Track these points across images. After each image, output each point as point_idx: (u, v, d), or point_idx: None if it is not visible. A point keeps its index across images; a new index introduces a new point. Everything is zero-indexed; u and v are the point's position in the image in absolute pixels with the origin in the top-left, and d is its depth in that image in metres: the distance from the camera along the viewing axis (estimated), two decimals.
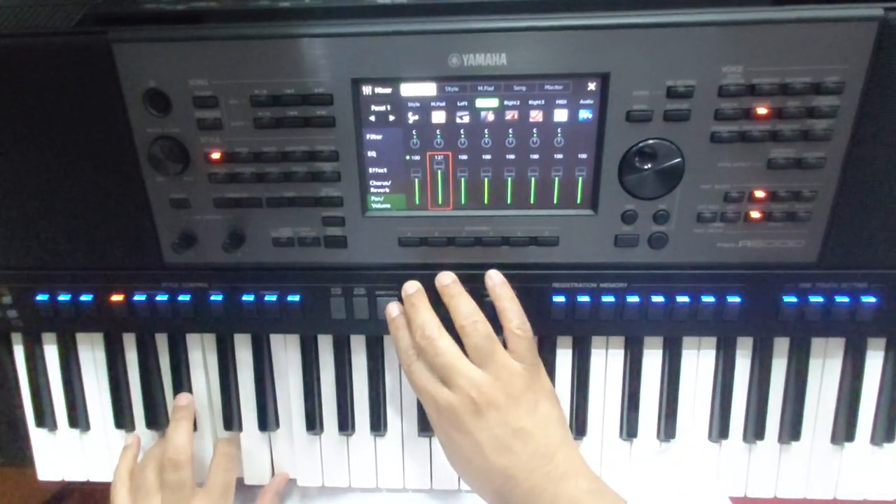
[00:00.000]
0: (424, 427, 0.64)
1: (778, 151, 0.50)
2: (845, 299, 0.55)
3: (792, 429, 0.61)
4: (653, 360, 0.61)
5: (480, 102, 0.51)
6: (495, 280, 0.54)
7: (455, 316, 0.53)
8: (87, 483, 0.68)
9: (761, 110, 0.49)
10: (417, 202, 0.55)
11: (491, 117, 0.52)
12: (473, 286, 0.57)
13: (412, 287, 0.55)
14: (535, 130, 0.52)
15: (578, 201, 0.54)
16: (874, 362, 0.60)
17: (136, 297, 0.60)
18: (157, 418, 0.66)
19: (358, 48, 0.49)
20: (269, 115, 0.52)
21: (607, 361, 0.62)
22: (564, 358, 0.62)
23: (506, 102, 0.51)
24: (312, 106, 0.51)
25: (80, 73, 0.51)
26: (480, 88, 0.51)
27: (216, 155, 0.53)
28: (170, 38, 0.50)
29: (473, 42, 0.48)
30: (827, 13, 0.46)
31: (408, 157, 0.53)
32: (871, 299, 0.55)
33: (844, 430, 0.61)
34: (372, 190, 0.55)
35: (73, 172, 0.55)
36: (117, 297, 0.60)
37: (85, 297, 0.61)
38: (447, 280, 0.55)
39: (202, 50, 0.50)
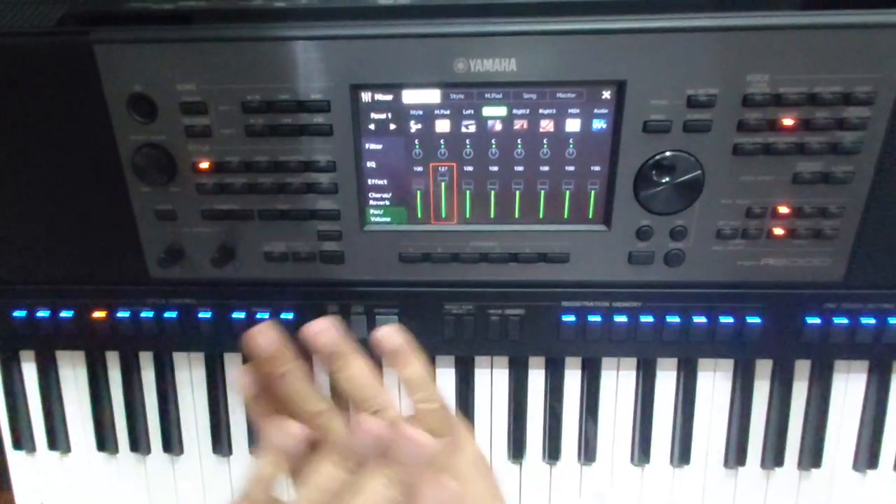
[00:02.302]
0: None
1: (804, 165, 0.47)
2: (871, 320, 0.52)
3: (813, 455, 0.58)
4: (667, 382, 0.58)
5: (488, 111, 0.48)
6: (394, 342, 0.40)
7: (352, 394, 0.39)
8: None
9: (787, 121, 0.46)
10: (420, 216, 0.52)
11: (498, 126, 0.48)
12: (479, 304, 0.54)
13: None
14: (545, 141, 0.49)
15: (591, 216, 0.51)
16: None
17: (120, 314, 0.57)
18: (140, 441, 0.62)
19: (357, 52, 0.46)
20: (261, 123, 0.48)
21: (618, 383, 0.59)
22: (573, 380, 0.59)
23: (515, 111, 0.48)
24: (308, 113, 0.48)
25: (61, 76, 0.48)
26: (488, 96, 0.47)
27: (205, 164, 0.50)
28: (156, 39, 0.47)
29: (481, 46, 0.45)
30: (859, 18, 0.43)
31: (410, 168, 0.50)
32: None
33: (867, 456, 0.58)
34: (371, 203, 0.52)
35: (53, 181, 0.52)
36: (99, 314, 0.57)
37: (65, 313, 0.57)
38: (328, 337, 0.38)
39: (191, 52, 0.47)
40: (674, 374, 0.58)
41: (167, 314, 0.56)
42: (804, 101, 0.45)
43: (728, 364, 0.57)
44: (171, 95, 0.48)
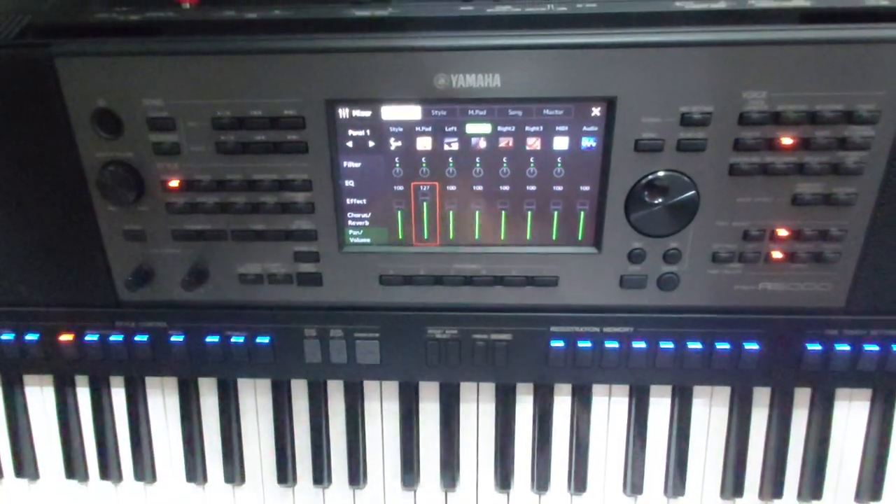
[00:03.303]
0: (408, 480, 0.58)
1: (804, 186, 0.45)
2: (874, 347, 0.50)
3: (813, 487, 0.55)
4: (660, 409, 0.56)
5: (471, 128, 0.46)
6: None
7: None
8: None
9: (786, 141, 0.44)
10: (401, 237, 0.49)
11: (483, 144, 0.46)
12: (463, 329, 0.52)
13: None
14: (532, 159, 0.46)
15: (580, 238, 0.49)
16: None
17: (88, 338, 0.54)
18: (111, 468, 0.59)
19: (333, 66, 0.44)
20: (233, 140, 0.46)
21: (610, 411, 0.56)
22: (563, 406, 0.56)
23: (499, 128, 0.45)
24: (282, 130, 0.45)
25: (21, 91, 0.45)
26: (471, 112, 0.45)
27: (174, 182, 0.47)
28: (121, 52, 0.44)
29: (463, 61, 0.43)
30: (862, 33, 0.41)
31: (390, 188, 0.48)
32: None
33: (870, 488, 0.55)
34: (350, 223, 0.49)
35: (16, 199, 0.49)
36: (66, 337, 0.54)
37: (30, 336, 0.54)
38: None
39: (158, 66, 0.44)
40: (668, 401, 0.55)
41: (137, 338, 0.54)
42: (804, 119, 0.43)
43: (724, 392, 0.55)
44: (137, 111, 0.45)
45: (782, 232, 0.47)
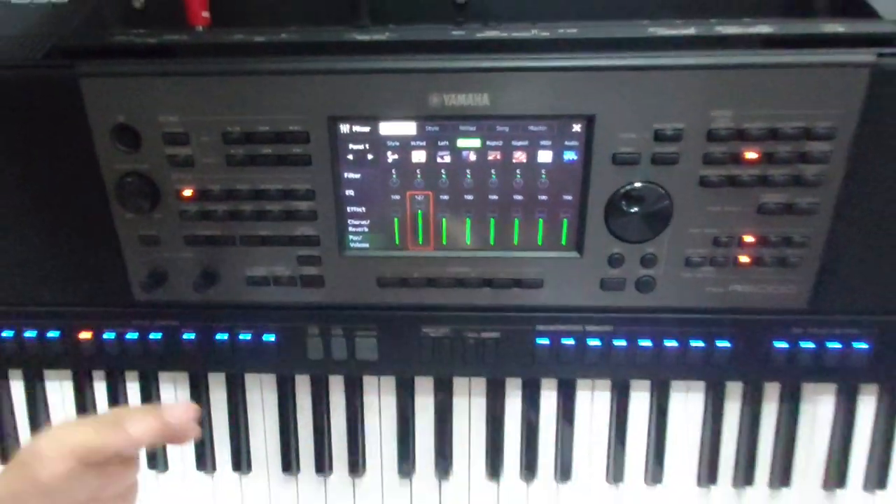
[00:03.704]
0: (404, 469, 0.62)
1: (768, 196, 0.49)
2: (837, 345, 0.54)
3: (782, 474, 0.59)
4: (640, 402, 0.59)
5: (462, 142, 0.49)
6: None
7: None
8: None
9: (751, 155, 0.47)
10: (397, 242, 0.53)
11: (473, 157, 0.50)
12: (455, 328, 0.56)
13: None
14: (518, 171, 0.50)
15: (563, 243, 0.52)
16: (866, 408, 0.58)
17: (106, 335, 0.58)
18: None
19: (335, 85, 0.47)
20: (242, 153, 0.50)
21: (593, 403, 0.60)
22: (549, 400, 0.60)
23: (488, 143, 0.49)
24: (287, 144, 0.49)
25: (47, 107, 0.49)
26: (462, 128, 0.49)
27: (188, 192, 0.51)
28: (139, 72, 0.48)
29: (454, 81, 0.47)
30: (819, 58, 0.45)
31: (387, 197, 0.52)
32: (864, 345, 0.54)
33: (836, 476, 0.59)
34: (350, 229, 0.53)
35: (40, 207, 0.53)
36: (86, 335, 0.58)
37: (52, 334, 0.58)
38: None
39: (173, 85, 0.48)
40: (647, 395, 0.59)
41: (152, 335, 0.58)
42: (767, 136, 0.47)
43: (700, 385, 0.59)
44: (154, 126, 0.49)
45: (749, 238, 0.50)
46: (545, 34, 0.47)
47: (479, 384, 0.60)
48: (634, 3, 0.52)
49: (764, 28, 0.47)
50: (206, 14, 0.52)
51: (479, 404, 0.61)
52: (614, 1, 0.53)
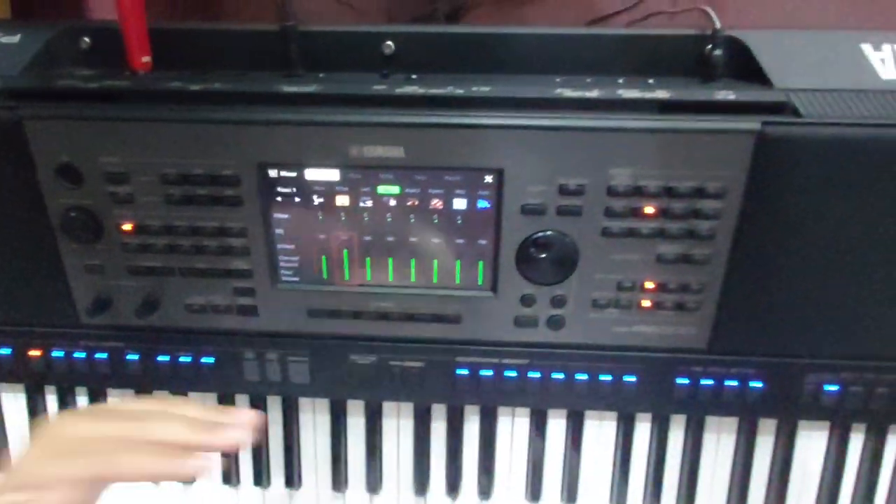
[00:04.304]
0: (336, 485, 0.66)
1: (666, 248, 0.52)
2: (734, 383, 0.58)
3: (688, 498, 0.63)
4: (557, 428, 0.63)
5: (382, 189, 0.53)
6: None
7: None
8: None
9: (649, 210, 0.51)
10: (326, 277, 0.57)
11: (393, 203, 0.53)
12: (381, 357, 0.59)
13: None
14: (435, 217, 0.53)
15: (480, 283, 0.56)
16: (765, 439, 0.62)
17: (55, 353, 0.62)
18: None
19: (264, 134, 0.51)
20: (179, 193, 0.53)
21: (513, 428, 0.64)
22: (472, 424, 0.64)
23: (407, 190, 0.53)
24: (221, 186, 0.53)
25: None
26: (382, 176, 0.52)
27: (128, 226, 0.55)
28: (81, 116, 0.51)
29: (371, 134, 0.50)
30: (709, 125, 0.48)
31: (315, 236, 0.55)
32: (758, 384, 0.57)
33: (737, 502, 0.63)
34: (282, 264, 0.56)
35: None
36: (35, 352, 0.62)
37: (4, 351, 0.62)
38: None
39: (113, 129, 0.51)
40: (563, 421, 0.63)
41: (98, 355, 0.61)
42: (663, 193, 0.50)
43: (612, 415, 0.63)
44: (95, 166, 0.52)
45: (650, 285, 0.54)
46: (459, 92, 0.51)
47: (408, 408, 0.64)
48: (550, 59, 0.56)
49: (662, 93, 0.50)
50: (146, 59, 0.55)
51: (408, 427, 0.64)
52: (534, 56, 0.56)
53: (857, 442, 0.61)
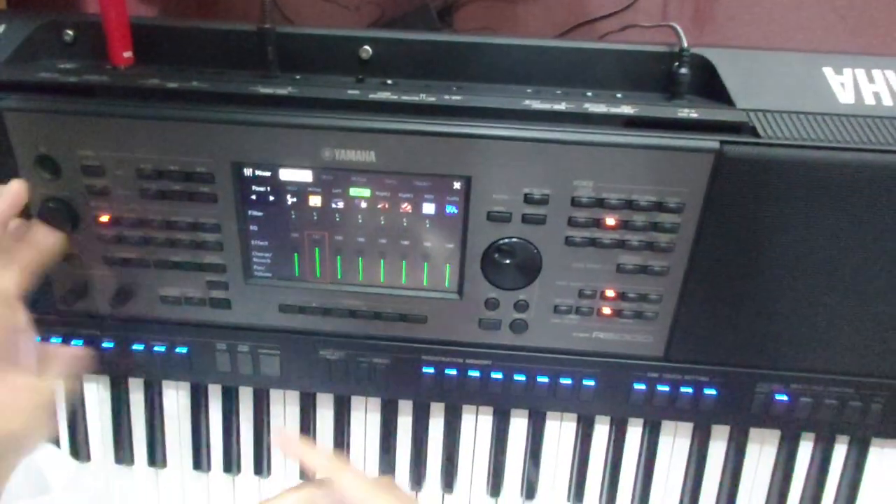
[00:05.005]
0: (305, 472, 0.68)
1: (625, 258, 0.54)
2: (689, 390, 0.60)
3: (642, 500, 0.66)
4: (519, 427, 0.65)
5: (353, 191, 0.54)
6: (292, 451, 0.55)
7: None
8: None
9: (610, 221, 0.53)
10: (297, 274, 0.58)
11: (364, 204, 0.55)
12: (349, 352, 0.61)
13: None
14: (405, 220, 0.55)
15: (447, 285, 0.58)
16: (718, 444, 0.64)
17: None
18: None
19: (238, 134, 0.52)
20: (154, 187, 0.54)
21: (477, 426, 0.66)
22: (436, 420, 0.66)
23: (377, 193, 0.54)
24: (195, 182, 0.54)
25: None
26: (353, 178, 0.54)
27: (104, 218, 0.56)
28: (59, 110, 0.52)
29: (343, 139, 0.51)
30: (670, 142, 0.50)
31: (288, 234, 0.56)
32: (712, 391, 0.59)
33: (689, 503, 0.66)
34: (255, 260, 0.58)
35: None
36: None
37: None
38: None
39: (90, 124, 0.52)
40: (525, 420, 0.65)
41: (74, 342, 0.63)
42: (624, 205, 0.52)
43: (572, 416, 0.65)
44: (73, 159, 0.54)
45: (610, 293, 0.56)
46: (430, 99, 0.52)
47: (375, 402, 0.66)
48: (524, 69, 0.57)
49: (627, 109, 0.51)
50: (127, 54, 0.56)
51: (375, 421, 0.66)
52: (508, 65, 0.57)
53: (805, 449, 0.64)
